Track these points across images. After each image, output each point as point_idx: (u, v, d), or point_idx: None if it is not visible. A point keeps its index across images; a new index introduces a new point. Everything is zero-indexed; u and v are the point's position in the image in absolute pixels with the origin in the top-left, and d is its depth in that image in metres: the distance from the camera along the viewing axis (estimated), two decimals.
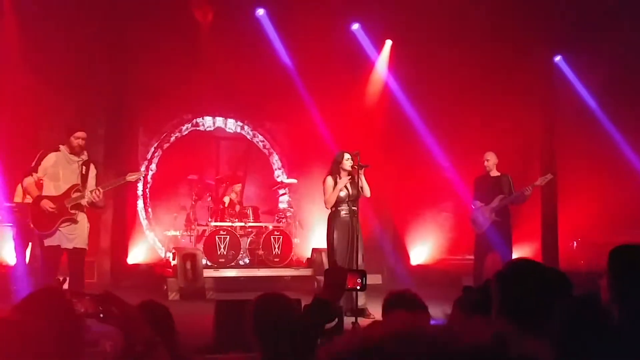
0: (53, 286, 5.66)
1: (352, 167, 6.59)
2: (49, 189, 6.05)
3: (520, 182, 7.97)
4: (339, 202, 6.64)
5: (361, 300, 6.20)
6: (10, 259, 8.30)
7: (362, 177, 6.52)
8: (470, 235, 8.20)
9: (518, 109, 10.22)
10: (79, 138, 6.07)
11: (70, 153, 6.09)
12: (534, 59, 10.51)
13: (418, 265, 10.92)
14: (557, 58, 11.02)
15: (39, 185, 6.06)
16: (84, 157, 6.18)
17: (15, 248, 8.00)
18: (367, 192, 6.63)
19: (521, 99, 10.21)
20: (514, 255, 7.83)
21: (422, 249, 11.11)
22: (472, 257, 8.11)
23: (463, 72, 10.19)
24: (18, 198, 8.06)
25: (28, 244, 7.58)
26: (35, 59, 8.83)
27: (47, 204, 5.92)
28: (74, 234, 6.04)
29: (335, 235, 6.61)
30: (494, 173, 7.91)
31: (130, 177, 6.45)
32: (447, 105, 10.50)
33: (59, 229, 5.97)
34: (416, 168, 10.74)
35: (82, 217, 6.09)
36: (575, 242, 10.46)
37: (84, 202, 6.05)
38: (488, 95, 10.06)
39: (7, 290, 7.59)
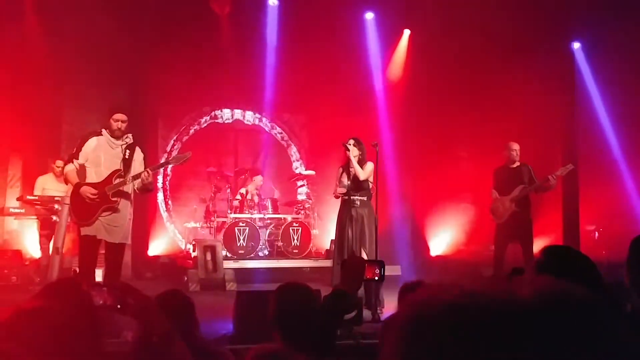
0: (70, 277, 5.73)
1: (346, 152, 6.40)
2: (90, 176, 5.57)
3: (541, 171, 7.88)
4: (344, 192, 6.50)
5: None
6: (35, 251, 8.43)
7: (353, 161, 6.31)
8: (490, 225, 8.13)
9: (539, 98, 10.10)
10: (118, 120, 5.58)
11: (112, 137, 5.61)
12: (555, 47, 10.37)
13: (437, 256, 10.88)
14: (576, 45, 10.86)
15: (82, 172, 5.59)
16: (128, 140, 5.69)
17: (39, 240, 8.14)
18: (359, 174, 6.30)
19: (542, 88, 10.08)
20: (535, 246, 7.77)
21: (442, 240, 11.06)
22: (492, 247, 8.06)
23: (482, 61, 10.08)
24: (37, 191, 8.19)
25: (51, 237, 7.67)
26: (55, 54, 8.92)
27: (87, 191, 5.43)
28: (115, 226, 5.58)
29: (336, 225, 6.53)
30: (514, 163, 7.83)
31: (177, 161, 6.25)
32: (466, 95, 10.40)
33: (99, 218, 5.50)
34: (435, 158, 10.68)
35: (124, 206, 5.63)
36: (596, 232, 10.33)
37: (127, 188, 5.60)
38: (507, 84, 9.95)
39: (32, 282, 7.74)
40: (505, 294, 0.75)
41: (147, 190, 5.82)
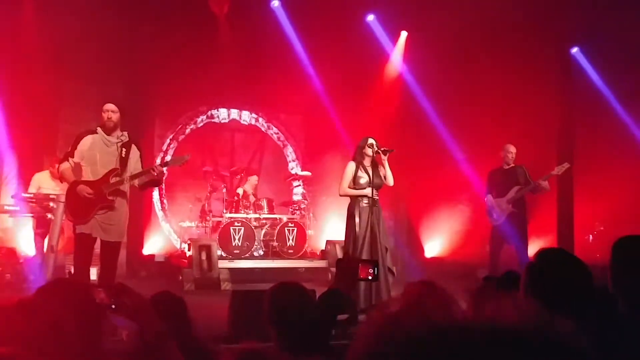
0: (72, 277, 5.71)
1: (375, 153, 6.12)
2: (87, 174, 5.53)
3: (537, 172, 7.90)
4: (359, 190, 6.15)
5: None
6: (29, 249, 8.41)
7: (386, 165, 6.16)
8: (485, 227, 8.16)
9: (535, 101, 10.12)
10: (107, 111, 5.52)
11: (107, 134, 5.54)
12: (551, 50, 10.40)
13: (432, 258, 10.89)
14: (574, 49, 10.87)
15: (78, 170, 5.54)
16: (124, 138, 5.61)
17: (34, 239, 8.12)
18: (389, 180, 6.18)
19: (538, 90, 10.10)
20: (530, 248, 7.80)
21: (437, 242, 11.07)
22: (487, 249, 8.08)
23: (479, 63, 10.10)
24: (32, 188, 8.16)
25: (46, 235, 7.65)
26: (53, 53, 8.90)
27: (83, 190, 5.41)
28: (111, 224, 5.54)
29: (356, 226, 6.04)
30: (509, 165, 7.85)
31: (175, 163, 6.19)
32: (463, 96, 10.42)
33: (95, 216, 5.45)
34: (431, 160, 10.68)
35: (120, 204, 5.56)
36: (591, 236, 10.35)
37: (123, 187, 5.56)
38: (505, 86, 9.97)
39: (26, 280, 7.72)
40: (483, 326, 0.69)
41: (153, 184, 5.83)
